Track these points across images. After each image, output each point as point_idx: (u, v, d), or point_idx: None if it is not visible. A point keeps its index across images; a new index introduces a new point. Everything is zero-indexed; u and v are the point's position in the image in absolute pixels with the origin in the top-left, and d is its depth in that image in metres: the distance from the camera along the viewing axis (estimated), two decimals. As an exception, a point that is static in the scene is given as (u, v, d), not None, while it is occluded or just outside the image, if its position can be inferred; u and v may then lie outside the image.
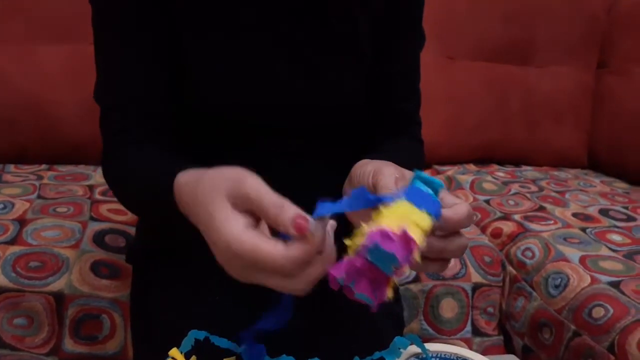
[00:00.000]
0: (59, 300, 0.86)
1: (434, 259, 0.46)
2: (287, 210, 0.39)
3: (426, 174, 0.45)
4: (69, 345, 0.87)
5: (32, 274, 0.86)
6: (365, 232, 0.40)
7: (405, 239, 0.39)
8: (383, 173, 0.48)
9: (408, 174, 0.49)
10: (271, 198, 0.40)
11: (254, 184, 0.42)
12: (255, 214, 0.42)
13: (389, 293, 0.41)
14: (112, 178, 0.66)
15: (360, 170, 0.52)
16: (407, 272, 0.42)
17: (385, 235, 0.39)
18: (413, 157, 0.72)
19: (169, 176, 0.50)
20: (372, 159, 0.54)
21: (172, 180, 0.50)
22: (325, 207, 0.41)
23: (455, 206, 0.46)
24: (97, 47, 0.63)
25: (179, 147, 0.64)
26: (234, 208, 0.42)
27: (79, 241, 0.93)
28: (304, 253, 0.39)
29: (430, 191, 0.43)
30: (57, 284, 0.86)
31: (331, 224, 0.41)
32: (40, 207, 1.02)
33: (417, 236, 0.40)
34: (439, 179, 0.45)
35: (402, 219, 0.40)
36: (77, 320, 0.87)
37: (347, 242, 0.41)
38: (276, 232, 0.41)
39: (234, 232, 0.41)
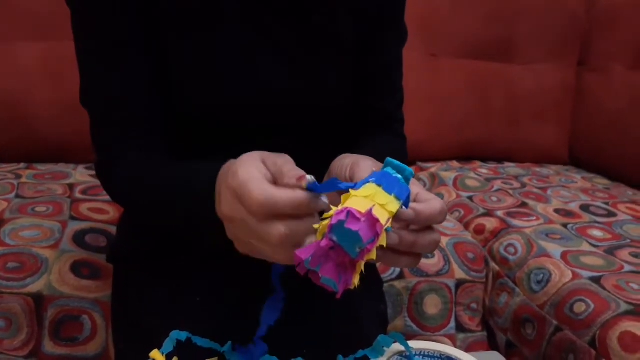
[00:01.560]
0: (38, 301, 0.84)
1: (406, 252, 0.47)
2: (290, 172, 0.43)
3: (397, 161, 0.45)
4: (49, 347, 0.86)
5: (10, 275, 0.85)
6: (332, 213, 0.40)
7: (371, 219, 0.39)
8: (360, 166, 0.49)
9: None
10: (289, 164, 0.44)
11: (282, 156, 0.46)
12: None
13: (355, 279, 0.41)
14: (118, 189, 0.64)
15: (339, 163, 0.52)
16: (374, 259, 0.41)
17: (351, 214, 0.39)
18: (395, 152, 0.72)
19: (209, 179, 0.50)
20: (352, 153, 0.54)
21: (213, 180, 0.49)
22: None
23: (429, 201, 0.46)
24: (78, 51, 0.62)
25: (169, 148, 0.63)
26: (262, 162, 0.45)
27: (59, 241, 0.92)
28: (282, 194, 0.41)
29: (400, 177, 0.43)
30: (36, 285, 0.85)
31: (322, 201, 0.42)
32: (18, 207, 1.01)
33: (382, 218, 0.40)
34: (410, 168, 0.45)
35: (369, 201, 0.40)
36: (57, 321, 0.86)
37: (315, 226, 0.41)
38: None
39: (248, 165, 0.43)
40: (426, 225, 0.47)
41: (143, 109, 0.62)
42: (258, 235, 0.42)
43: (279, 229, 0.41)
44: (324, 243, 0.39)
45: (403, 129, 0.76)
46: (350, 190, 0.42)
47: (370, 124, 0.73)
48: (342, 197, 0.42)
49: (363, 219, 0.39)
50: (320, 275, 0.40)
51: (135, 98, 0.62)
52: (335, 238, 0.39)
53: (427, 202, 0.46)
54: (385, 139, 0.73)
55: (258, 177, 0.42)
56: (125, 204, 0.67)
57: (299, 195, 0.41)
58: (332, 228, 0.39)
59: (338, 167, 0.52)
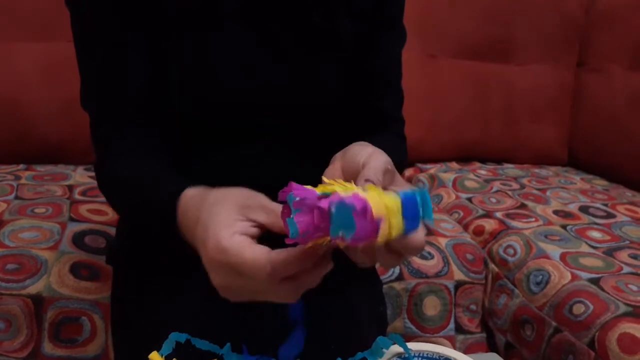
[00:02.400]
0: (38, 303, 0.84)
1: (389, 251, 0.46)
2: None
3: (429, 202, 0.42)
4: (48, 348, 0.86)
5: (9, 277, 0.85)
6: (351, 189, 0.40)
7: (375, 229, 0.38)
8: (377, 158, 0.48)
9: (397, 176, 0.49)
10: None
11: (265, 198, 0.44)
12: (261, 226, 0.43)
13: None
14: (107, 188, 0.65)
15: (359, 148, 0.51)
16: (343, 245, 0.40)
17: (365, 209, 0.38)
18: (395, 151, 0.72)
19: (175, 194, 0.50)
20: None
21: (178, 197, 0.50)
22: None
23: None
24: (78, 53, 0.62)
25: (167, 150, 0.64)
26: (239, 217, 0.43)
27: (58, 242, 0.92)
28: (282, 258, 0.40)
29: (420, 212, 0.42)
30: (36, 287, 0.85)
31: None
32: (17, 208, 1.01)
33: (382, 236, 0.39)
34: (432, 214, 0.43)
35: (385, 211, 0.39)
36: (56, 323, 0.86)
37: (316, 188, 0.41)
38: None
39: (226, 233, 0.42)
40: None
41: (140, 111, 0.62)
42: (266, 295, 0.42)
43: (291, 288, 0.41)
44: (322, 203, 0.39)
45: (403, 129, 0.76)
46: (374, 186, 0.41)
47: (370, 124, 0.73)
48: (367, 185, 0.41)
49: (367, 216, 0.38)
50: (292, 216, 0.40)
51: (132, 100, 0.62)
52: (333, 210, 0.38)
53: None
54: (386, 138, 0.73)
55: (249, 244, 0.41)
56: (112, 205, 0.67)
57: (306, 250, 0.40)
58: (337, 203, 0.38)
59: (356, 152, 0.50)
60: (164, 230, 0.52)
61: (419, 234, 0.45)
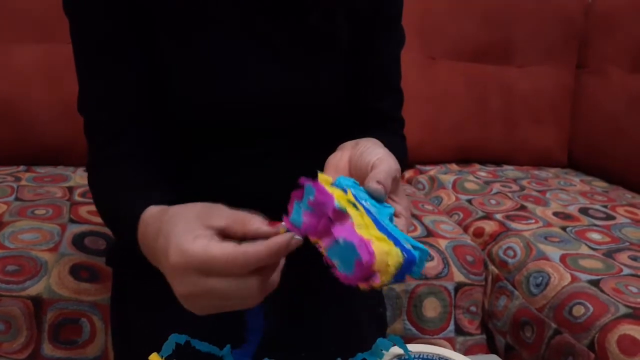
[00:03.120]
0: (38, 304, 0.84)
1: None
2: (259, 217, 0.43)
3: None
4: (48, 350, 0.86)
5: (9, 278, 0.85)
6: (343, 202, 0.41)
7: (369, 273, 0.40)
8: (388, 164, 0.48)
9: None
10: (245, 211, 0.43)
11: (225, 206, 0.44)
12: (222, 231, 0.43)
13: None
14: (93, 189, 0.65)
15: (371, 146, 0.51)
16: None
17: (367, 257, 0.39)
18: (398, 149, 0.73)
19: (137, 215, 0.51)
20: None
21: (138, 219, 0.51)
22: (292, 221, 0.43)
23: None
24: (76, 58, 0.63)
25: (158, 157, 0.64)
26: (201, 225, 0.43)
27: (58, 244, 0.92)
28: (256, 250, 0.40)
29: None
30: (36, 288, 0.85)
31: (296, 239, 0.42)
32: (18, 210, 1.01)
33: (371, 283, 0.40)
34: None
35: (385, 264, 0.40)
36: (56, 324, 0.86)
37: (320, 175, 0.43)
38: None
39: (188, 237, 0.42)
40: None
41: (133, 118, 0.62)
42: (234, 294, 0.42)
43: (258, 284, 0.41)
44: (335, 230, 0.41)
45: (403, 129, 0.76)
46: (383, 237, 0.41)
47: (370, 124, 0.73)
48: (359, 228, 0.41)
49: (366, 272, 0.40)
50: (301, 208, 0.42)
51: (126, 107, 0.62)
52: (341, 243, 0.40)
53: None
54: (389, 137, 0.73)
55: (215, 242, 0.41)
56: (95, 205, 0.67)
57: (278, 241, 0.41)
58: (346, 242, 0.40)
59: (367, 151, 0.51)
60: (130, 244, 0.53)
61: None
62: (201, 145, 0.65)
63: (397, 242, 0.41)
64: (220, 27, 0.62)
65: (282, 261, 0.44)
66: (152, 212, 0.51)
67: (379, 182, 0.46)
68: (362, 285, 0.40)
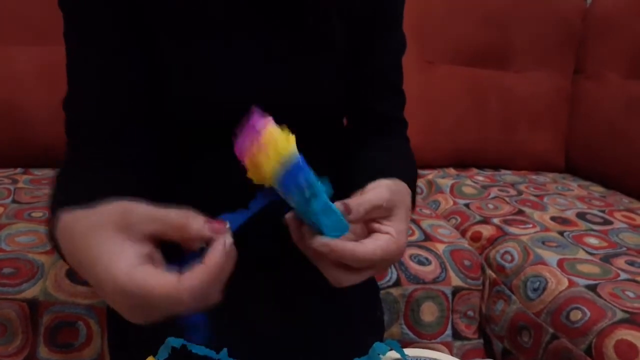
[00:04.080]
0: (34, 307, 0.84)
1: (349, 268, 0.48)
2: (197, 217, 0.40)
3: None
4: (44, 353, 0.85)
5: (5, 281, 0.84)
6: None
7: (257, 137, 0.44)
8: (375, 193, 0.50)
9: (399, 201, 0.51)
10: (175, 211, 0.40)
11: (148, 206, 0.41)
12: (154, 238, 0.41)
13: None
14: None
15: (375, 183, 0.53)
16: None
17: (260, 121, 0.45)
18: (403, 157, 0.73)
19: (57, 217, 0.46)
20: (369, 161, 0.56)
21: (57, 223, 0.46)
22: (232, 218, 0.42)
23: (372, 246, 0.47)
24: (68, 55, 0.62)
25: (160, 155, 0.63)
26: (126, 239, 0.40)
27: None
28: (200, 281, 0.39)
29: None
30: (32, 291, 0.85)
31: (228, 242, 0.40)
32: (14, 212, 1.00)
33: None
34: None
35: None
36: (52, 327, 0.85)
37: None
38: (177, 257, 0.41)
39: (122, 268, 0.39)
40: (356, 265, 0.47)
41: (126, 118, 0.61)
42: (179, 311, 0.40)
43: (201, 299, 0.40)
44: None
45: (406, 130, 0.77)
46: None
47: (372, 126, 0.74)
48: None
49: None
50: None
51: (119, 106, 0.61)
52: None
53: (365, 242, 0.47)
54: (392, 143, 0.74)
55: (153, 275, 0.39)
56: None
57: (218, 261, 0.39)
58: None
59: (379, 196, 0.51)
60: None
61: (367, 246, 0.47)
62: (199, 146, 0.65)
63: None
64: (220, 27, 0.62)
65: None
66: (65, 221, 0.45)
67: (344, 204, 0.46)
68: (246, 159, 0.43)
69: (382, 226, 0.50)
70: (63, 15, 0.61)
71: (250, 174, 0.45)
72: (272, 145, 0.43)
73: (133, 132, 0.62)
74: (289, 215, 0.48)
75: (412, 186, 0.61)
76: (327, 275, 0.49)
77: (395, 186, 0.53)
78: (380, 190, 0.50)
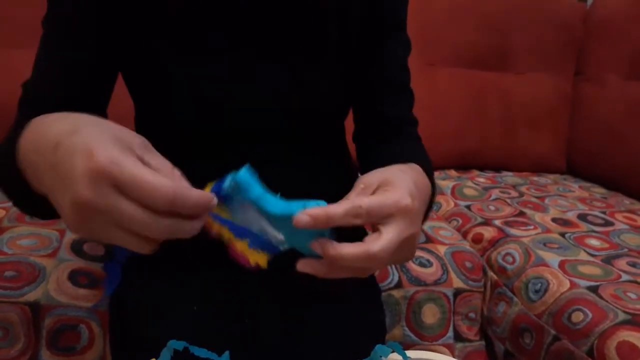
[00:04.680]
0: (36, 310, 0.84)
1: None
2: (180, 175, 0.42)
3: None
4: (46, 356, 0.85)
5: (7, 284, 0.84)
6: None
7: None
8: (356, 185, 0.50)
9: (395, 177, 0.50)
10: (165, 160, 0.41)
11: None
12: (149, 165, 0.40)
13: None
14: None
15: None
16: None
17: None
18: (417, 157, 0.73)
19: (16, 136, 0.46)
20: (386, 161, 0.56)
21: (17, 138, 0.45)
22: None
23: (362, 244, 0.46)
24: (42, 38, 0.63)
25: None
26: (126, 148, 0.39)
27: (56, 250, 0.91)
28: (191, 192, 0.39)
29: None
30: (34, 294, 0.85)
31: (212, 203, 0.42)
32: (16, 215, 1.00)
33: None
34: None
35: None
36: (54, 330, 0.85)
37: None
38: None
39: (115, 145, 0.37)
40: (335, 226, 0.46)
41: (75, 101, 0.60)
42: (138, 226, 0.38)
43: (169, 224, 0.39)
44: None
45: (417, 130, 0.76)
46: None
47: (384, 130, 0.74)
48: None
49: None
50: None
51: (72, 89, 0.61)
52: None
53: (333, 205, 0.46)
54: (406, 145, 0.73)
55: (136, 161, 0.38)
56: None
57: (192, 194, 0.39)
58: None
59: (380, 181, 0.51)
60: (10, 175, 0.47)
61: (358, 248, 0.46)
62: (199, 148, 0.65)
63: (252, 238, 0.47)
64: (220, 33, 0.63)
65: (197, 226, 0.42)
66: (52, 117, 0.45)
67: (308, 214, 0.45)
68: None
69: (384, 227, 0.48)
70: (48, 6, 0.62)
71: None
72: None
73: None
74: (299, 265, 0.48)
75: (425, 167, 0.60)
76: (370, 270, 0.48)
77: (388, 168, 0.54)
78: (359, 180, 0.51)
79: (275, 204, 0.46)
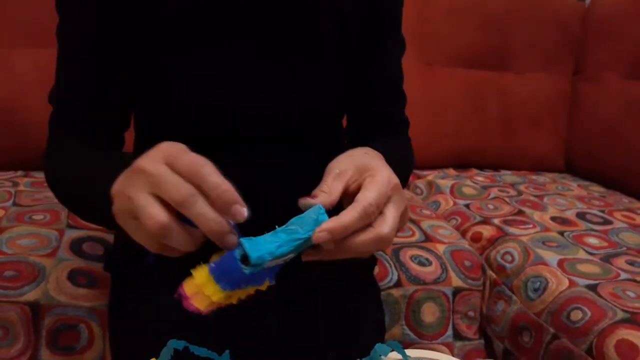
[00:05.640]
0: (35, 310, 0.84)
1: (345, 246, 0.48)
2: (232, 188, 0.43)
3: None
4: (46, 356, 0.85)
5: (6, 284, 0.84)
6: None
7: (190, 307, 0.46)
8: (329, 168, 0.51)
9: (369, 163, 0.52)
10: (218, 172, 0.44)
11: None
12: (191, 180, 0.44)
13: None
14: (53, 177, 0.67)
15: (359, 165, 0.53)
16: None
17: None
18: (403, 150, 0.73)
19: (108, 181, 0.49)
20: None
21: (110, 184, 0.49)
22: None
23: (348, 211, 0.47)
24: (59, 53, 0.65)
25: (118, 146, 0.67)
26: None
27: (56, 249, 0.91)
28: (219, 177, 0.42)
29: (242, 267, 0.45)
30: (33, 294, 0.85)
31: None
32: (15, 215, 1.00)
33: (202, 304, 0.46)
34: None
35: (198, 288, 0.46)
36: (54, 330, 0.85)
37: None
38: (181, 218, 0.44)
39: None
40: (351, 232, 0.47)
41: (104, 114, 0.65)
42: (168, 189, 0.43)
43: (160, 215, 0.42)
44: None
45: (408, 129, 0.77)
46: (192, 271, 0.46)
47: (377, 129, 0.74)
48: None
49: (185, 303, 0.46)
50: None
51: (96, 103, 0.65)
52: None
53: (345, 214, 0.47)
54: (396, 141, 0.74)
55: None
56: (56, 195, 0.68)
57: (226, 186, 0.43)
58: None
59: (356, 167, 0.52)
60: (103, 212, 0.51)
61: (360, 238, 0.47)
62: (198, 149, 0.65)
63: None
64: (219, 33, 0.63)
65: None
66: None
67: (326, 231, 0.46)
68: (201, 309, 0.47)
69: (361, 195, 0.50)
70: (59, 16, 0.63)
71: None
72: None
73: (104, 130, 0.65)
74: (304, 256, 0.49)
75: (398, 161, 0.61)
76: (367, 250, 0.49)
77: (353, 153, 0.55)
78: (333, 163, 0.52)
79: (282, 244, 0.46)
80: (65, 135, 0.66)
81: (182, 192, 0.42)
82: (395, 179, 0.51)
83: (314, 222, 0.47)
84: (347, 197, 0.51)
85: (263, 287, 0.47)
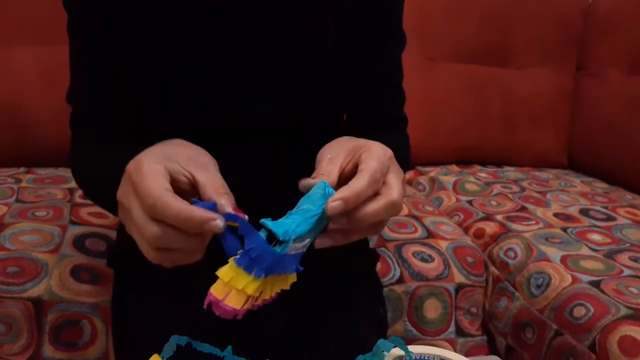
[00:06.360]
0: (38, 306, 0.84)
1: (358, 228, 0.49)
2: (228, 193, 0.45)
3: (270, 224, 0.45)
4: (49, 351, 0.86)
5: (10, 280, 0.85)
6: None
7: (226, 309, 0.45)
8: (370, 152, 0.51)
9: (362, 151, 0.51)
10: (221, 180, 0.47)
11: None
12: (195, 182, 0.47)
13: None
14: (79, 173, 0.67)
15: (348, 145, 0.54)
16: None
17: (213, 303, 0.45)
18: (396, 140, 0.73)
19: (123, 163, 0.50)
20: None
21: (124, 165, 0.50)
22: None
23: (357, 180, 0.48)
24: (70, 51, 0.65)
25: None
26: (183, 164, 0.48)
27: (59, 245, 0.92)
28: (178, 206, 0.43)
29: (272, 249, 0.44)
30: (36, 290, 0.85)
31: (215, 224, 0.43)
32: (18, 211, 1.01)
33: (239, 302, 0.45)
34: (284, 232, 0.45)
35: (228, 287, 0.44)
36: (56, 326, 0.86)
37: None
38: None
39: (156, 165, 0.46)
40: (363, 200, 0.47)
41: (122, 111, 0.65)
42: (136, 228, 0.45)
43: (154, 230, 0.44)
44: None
45: (406, 127, 0.77)
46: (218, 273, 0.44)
47: (376, 127, 0.74)
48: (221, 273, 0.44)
49: (219, 308, 0.44)
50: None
51: (111, 101, 0.65)
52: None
53: (354, 182, 0.47)
54: (390, 136, 0.74)
55: (164, 179, 0.45)
56: (82, 189, 0.70)
57: (193, 213, 0.43)
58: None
59: (347, 150, 0.53)
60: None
61: (359, 181, 0.47)
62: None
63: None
64: (218, 33, 0.62)
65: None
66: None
67: (340, 199, 0.46)
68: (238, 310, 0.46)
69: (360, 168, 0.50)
70: (68, 15, 0.63)
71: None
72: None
73: (121, 127, 0.65)
74: (317, 243, 0.49)
75: (396, 150, 0.61)
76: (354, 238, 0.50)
77: (340, 140, 0.56)
78: (325, 150, 0.53)
79: (299, 223, 0.45)
80: (85, 136, 0.66)
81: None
82: (389, 151, 0.52)
83: (322, 197, 0.46)
84: (343, 181, 0.50)
85: (294, 277, 0.47)
